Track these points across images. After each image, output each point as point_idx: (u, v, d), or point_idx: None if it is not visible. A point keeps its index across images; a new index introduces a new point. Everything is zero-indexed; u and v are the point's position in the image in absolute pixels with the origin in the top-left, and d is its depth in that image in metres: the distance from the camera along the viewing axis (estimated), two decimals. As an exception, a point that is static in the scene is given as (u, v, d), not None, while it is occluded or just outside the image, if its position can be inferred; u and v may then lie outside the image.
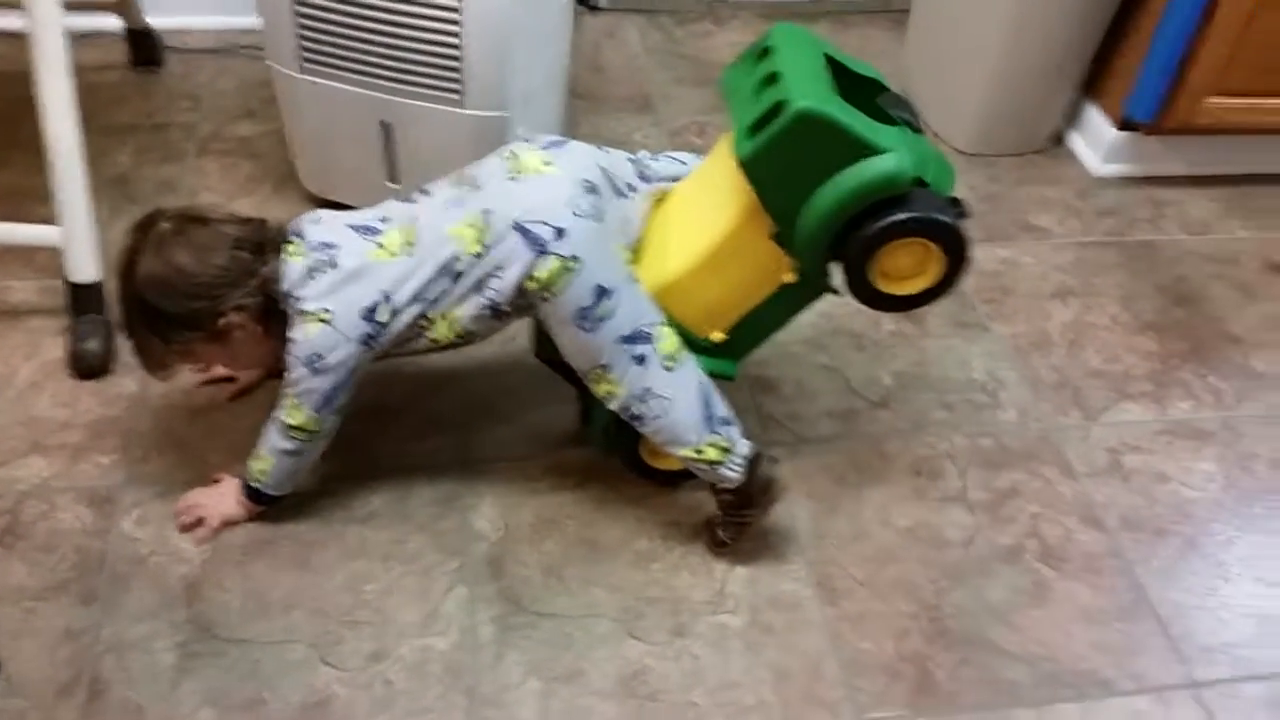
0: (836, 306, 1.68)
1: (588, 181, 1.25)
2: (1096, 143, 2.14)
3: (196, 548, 1.35)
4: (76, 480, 1.41)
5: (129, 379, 1.55)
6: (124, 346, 1.49)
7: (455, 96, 1.62)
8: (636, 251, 1.31)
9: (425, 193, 1.32)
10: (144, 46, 2.16)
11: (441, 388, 1.58)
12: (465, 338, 1.29)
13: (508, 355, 1.63)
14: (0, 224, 1.57)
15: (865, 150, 1.16)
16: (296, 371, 1.25)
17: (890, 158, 1.16)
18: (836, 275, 1.25)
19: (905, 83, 2.26)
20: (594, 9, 2.46)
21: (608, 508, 1.43)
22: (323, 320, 1.23)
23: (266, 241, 1.27)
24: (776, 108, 1.16)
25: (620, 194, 1.30)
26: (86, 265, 1.54)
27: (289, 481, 1.34)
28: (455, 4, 1.52)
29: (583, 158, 1.29)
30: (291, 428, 1.28)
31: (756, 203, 1.22)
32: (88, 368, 1.54)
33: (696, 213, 1.31)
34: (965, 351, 1.71)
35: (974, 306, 1.79)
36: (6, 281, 1.68)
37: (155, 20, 2.17)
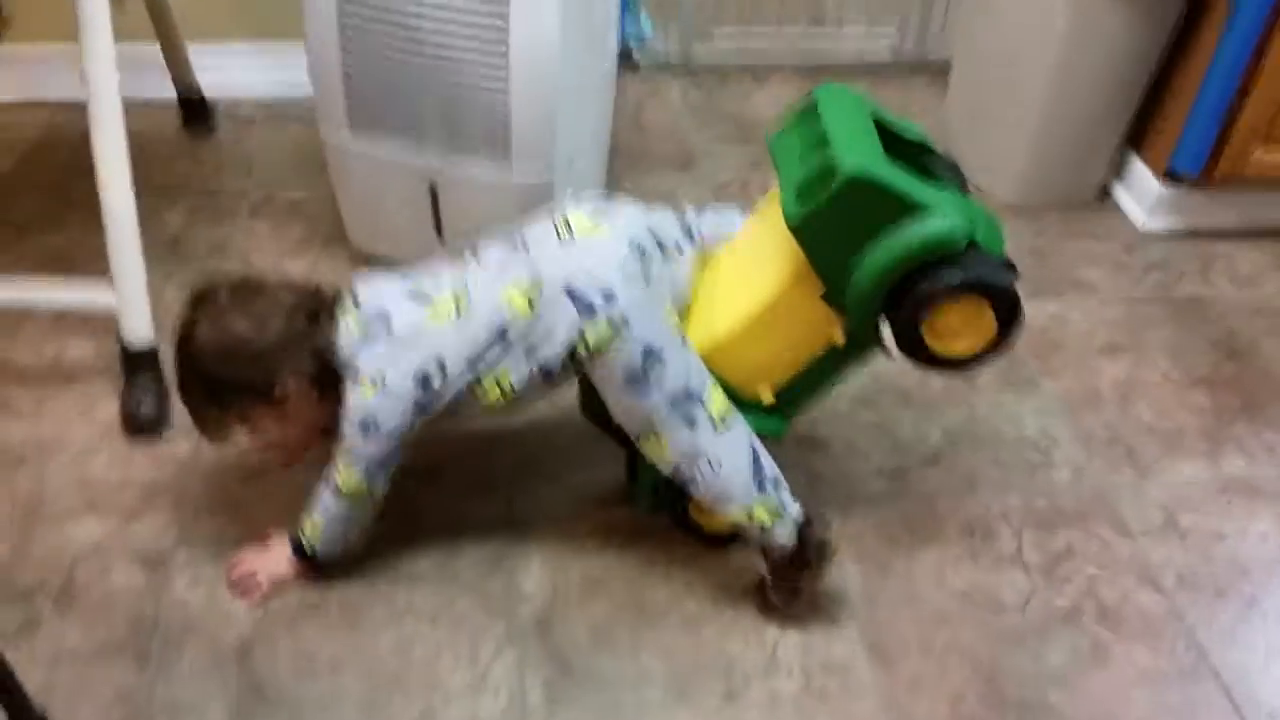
0: (885, 363, 1.68)
1: (636, 244, 1.26)
2: (1142, 196, 2.12)
3: (247, 609, 1.35)
4: (131, 542, 1.43)
5: (182, 441, 1.56)
6: (178, 409, 1.52)
7: (501, 157, 1.64)
8: (685, 312, 1.32)
9: (475, 255, 1.33)
10: (197, 111, 2.21)
11: (490, 445, 1.58)
12: (516, 401, 1.30)
13: (557, 412, 1.63)
14: (57, 285, 1.60)
15: (917, 212, 1.16)
16: (350, 436, 1.26)
17: (943, 218, 1.16)
18: (887, 335, 1.24)
19: (947, 137, 2.27)
20: (635, 68, 2.48)
21: (656, 568, 1.42)
22: (376, 386, 1.24)
23: (322, 308, 1.28)
24: (827, 172, 1.16)
25: (668, 255, 1.30)
26: (141, 328, 1.56)
27: (339, 544, 1.35)
28: (502, 70, 1.55)
29: (631, 219, 1.30)
30: (342, 491, 1.29)
31: (806, 263, 1.22)
32: (141, 429, 1.56)
33: (745, 273, 1.32)
34: (1016, 408, 1.69)
35: (1024, 363, 1.77)
36: (64, 340, 1.71)
37: (207, 86, 2.22)
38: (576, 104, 1.66)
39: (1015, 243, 1.99)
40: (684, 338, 1.27)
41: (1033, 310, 1.84)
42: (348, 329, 1.27)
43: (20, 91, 2.22)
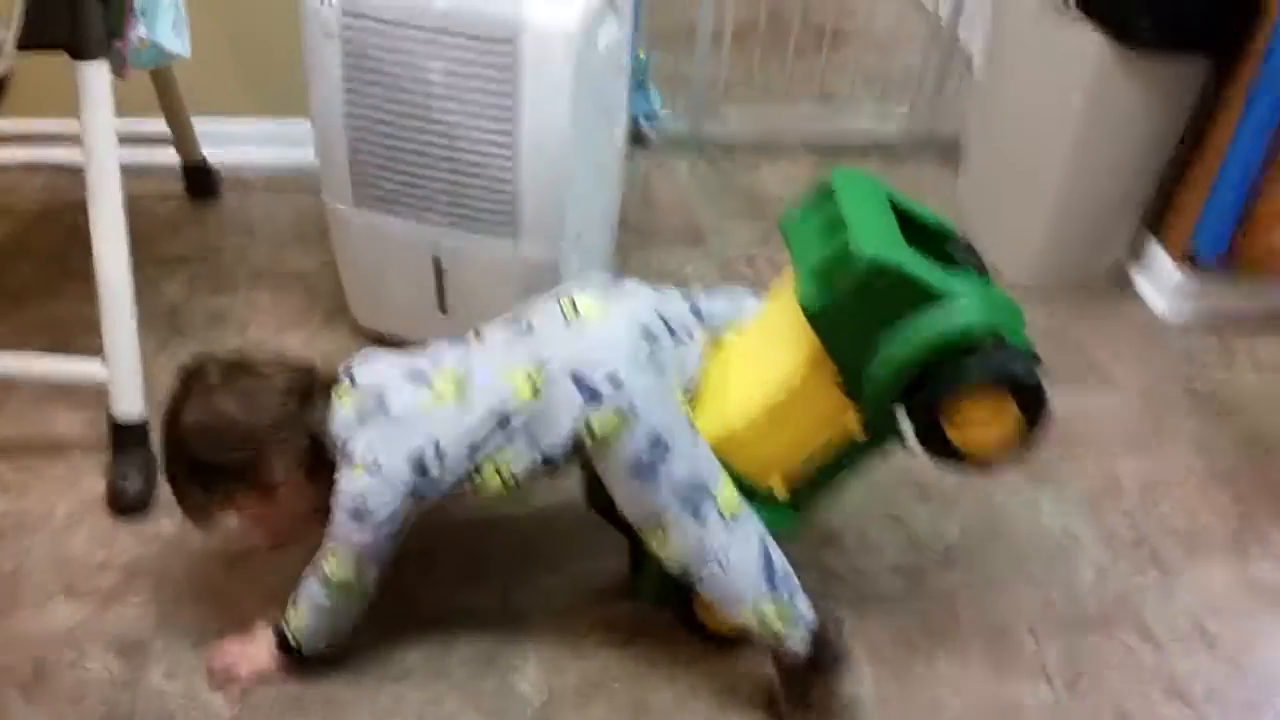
0: (901, 454, 1.62)
1: (645, 328, 1.21)
2: (1161, 281, 2.08)
3: (226, 702, 1.28)
4: (107, 626, 1.36)
5: (168, 519, 1.50)
6: (165, 487, 1.46)
7: (508, 233, 1.60)
8: (695, 399, 1.26)
9: (479, 336, 1.28)
10: (200, 179, 2.18)
11: (487, 531, 1.52)
12: (515, 489, 1.24)
13: (558, 498, 1.56)
14: (47, 358, 1.55)
15: (939, 300, 1.11)
16: (341, 523, 1.20)
17: (966, 308, 1.11)
18: (906, 429, 1.19)
19: (960, 216, 2.23)
20: (644, 144, 2.46)
21: (659, 669, 1.35)
22: (370, 470, 1.18)
23: (316, 388, 1.23)
24: (844, 257, 1.12)
25: (678, 339, 1.25)
26: (131, 403, 1.51)
27: (325, 638, 1.28)
28: (510, 147, 1.51)
29: (640, 303, 1.25)
30: (331, 581, 1.23)
31: (821, 353, 1.17)
32: (127, 506, 1.50)
33: (759, 360, 1.26)
34: (1035, 503, 1.63)
35: (1043, 455, 1.71)
36: (53, 412, 1.66)
37: (212, 154, 2.19)
38: (586, 181, 1.63)
39: (1029, 326, 1.95)
40: (694, 426, 1.22)
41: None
42: (342, 410, 1.22)
43: (20, 156, 2.19)
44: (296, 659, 1.29)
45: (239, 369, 1.23)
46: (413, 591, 1.42)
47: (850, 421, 1.22)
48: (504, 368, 1.21)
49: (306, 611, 1.26)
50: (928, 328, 1.11)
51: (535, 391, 1.18)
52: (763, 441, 1.24)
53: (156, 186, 2.18)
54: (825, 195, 1.22)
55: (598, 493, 1.33)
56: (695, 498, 1.19)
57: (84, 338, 1.52)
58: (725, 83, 2.50)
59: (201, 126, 2.15)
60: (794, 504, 1.29)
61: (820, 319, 1.14)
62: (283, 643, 1.29)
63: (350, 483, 1.19)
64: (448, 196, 1.60)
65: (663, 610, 1.38)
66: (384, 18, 1.47)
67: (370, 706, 1.29)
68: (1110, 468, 1.71)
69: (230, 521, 1.28)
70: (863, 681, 1.35)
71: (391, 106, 1.53)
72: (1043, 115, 2.01)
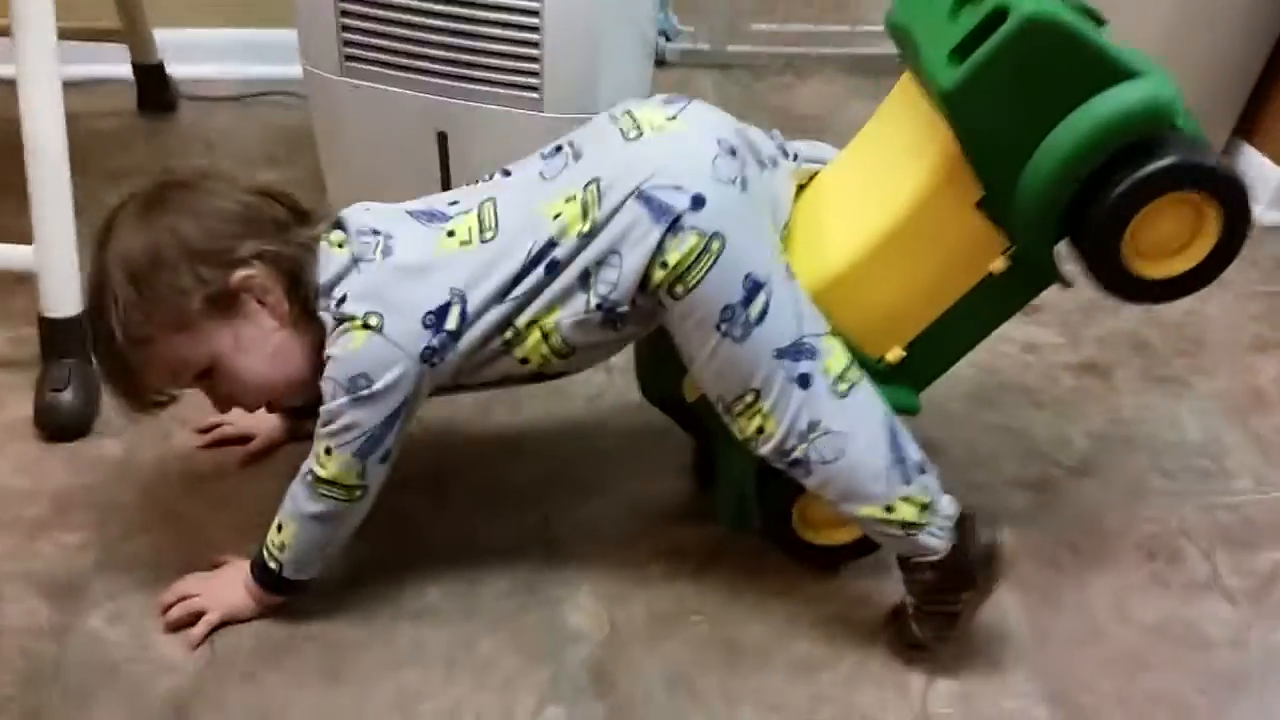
0: (995, 355, 1.35)
1: (728, 144, 0.92)
2: (1260, 187, 1.82)
3: (190, 652, 0.97)
4: (31, 563, 1.05)
5: (112, 441, 1.20)
6: (109, 403, 1.16)
7: (531, 96, 1.32)
8: (783, 245, 0.97)
9: (506, 172, 1.00)
10: (154, 88, 1.88)
11: (513, 454, 1.23)
12: (562, 358, 0.95)
13: (595, 414, 1.29)
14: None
15: (1114, 73, 0.84)
16: (334, 401, 0.90)
17: (1152, 82, 0.84)
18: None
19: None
20: (660, 63, 2.19)
21: (745, 599, 1.06)
22: (370, 327, 0.89)
23: (294, 217, 0.94)
24: (996, 16, 0.84)
25: (764, 165, 0.97)
26: (65, 296, 1.21)
27: (315, 560, 0.98)
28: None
29: (719, 118, 0.97)
30: (323, 481, 0.93)
31: (954, 159, 0.90)
32: (60, 423, 1.20)
33: (864, 190, 0.99)
34: (1170, 409, 1.35)
35: (1167, 360, 1.44)
36: (-34, 331, 1.35)
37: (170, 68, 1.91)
38: (621, 38, 1.35)
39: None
40: (791, 271, 0.93)
41: (1162, 306, 1.53)
42: (333, 254, 0.93)
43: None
44: (279, 590, 0.99)
45: (183, 187, 0.94)
46: (427, 523, 1.13)
47: (992, 258, 0.94)
48: (546, 199, 0.93)
49: (292, 528, 0.96)
50: (1109, 106, 0.84)
51: (589, 220, 0.90)
52: (876, 289, 0.96)
53: (106, 102, 1.89)
54: None
55: (659, 373, 1.05)
56: (799, 360, 0.91)
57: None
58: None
59: (159, 37, 1.87)
60: (910, 375, 1.01)
61: (961, 101, 0.86)
62: (261, 576, 0.98)
63: (344, 347, 0.90)
64: (457, 55, 1.32)
65: (743, 534, 1.10)
66: None
67: (384, 650, 0.99)
68: (1244, 371, 1.44)
69: (186, 426, 0.97)
70: (1007, 610, 1.06)
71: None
72: (1125, 11, 1.76)
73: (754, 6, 2.26)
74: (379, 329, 0.89)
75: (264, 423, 1.19)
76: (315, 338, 0.93)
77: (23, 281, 1.31)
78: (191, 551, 1.06)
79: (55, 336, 1.22)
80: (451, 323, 0.91)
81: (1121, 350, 1.45)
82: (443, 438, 1.23)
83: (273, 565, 0.97)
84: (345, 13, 1.32)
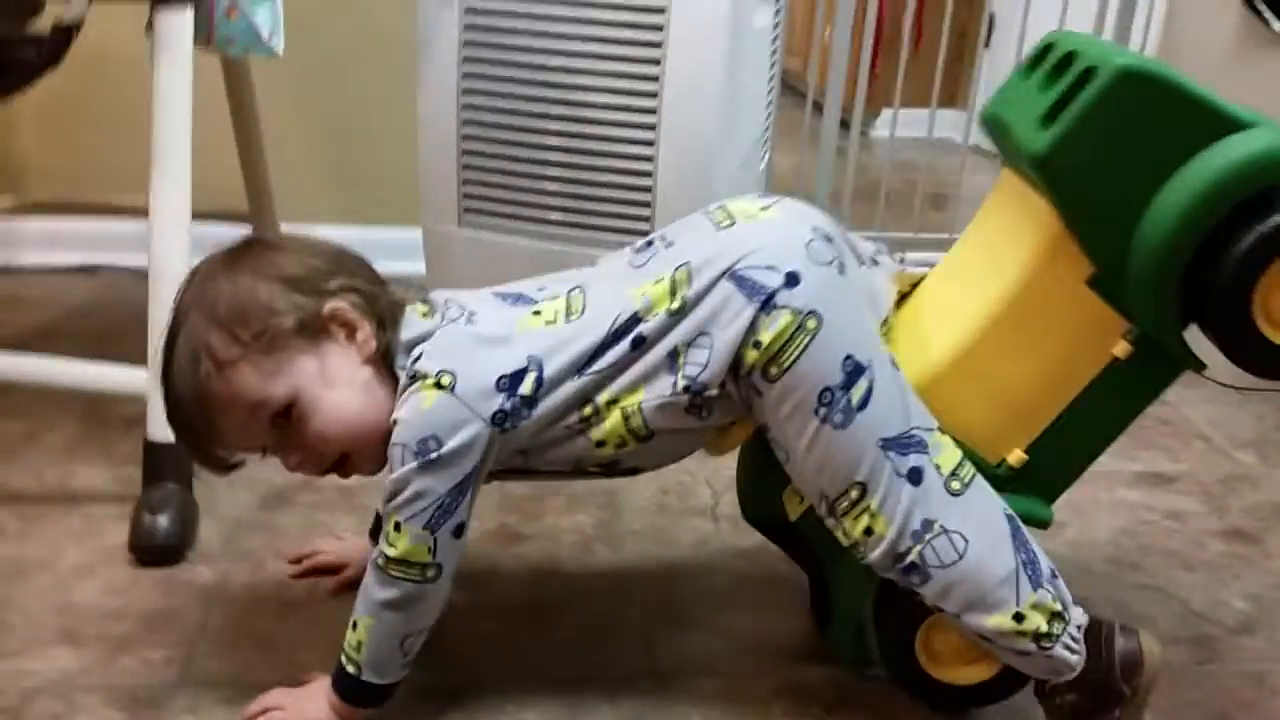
0: (1136, 521, 1.27)
1: (823, 232, 0.90)
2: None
3: (266, 767, 0.89)
4: (111, 678, 0.99)
5: (205, 567, 1.16)
6: (205, 534, 1.17)
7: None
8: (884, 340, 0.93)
9: (595, 265, 0.98)
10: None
11: (618, 591, 1.16)
12: (641, 442, 0.89)
13: (701, 558, 1.22)
14: (87, 364, 1.25)
15: (1223, 124, 0.80)
16: (403, 467, 0.85)
17: (1269, 131, 0.80)
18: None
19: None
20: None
21: (878, 743, 0.95)
22: (442, 387, 0.85)
23: (379, 279, 0.94)
24: (1085, 76, 0.82)
25: (862, 262, 0.95)
26: (173, 419, 1.20)
27: (394, 658, 0.90)
28: (651, 133, 1.27)
29: (811, 209, 0.95)
30: (394, 561, 0.87)
31: (1058, 235, 0.86)
32: (155, 545, 1.16)
33: (967, 281, 0.95)
34: (1337, 573, 1.24)
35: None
36: (72, 467, 1.34)
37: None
38: (730, 177, 1.37)
39: (1261, 420, 1.62)
40: (894, 360, 0.89)
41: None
42: (413, 314, 0.92)
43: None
44: (362, 699, 0.91)
45: (268, 243, 0.95)
46: (529, 652, 1.05)
47: (1113, 341, 0.88)
48: (635, 284, 0.90)
49: (365, 619, 0.89)
50: (1220, 157, 0.79)
51: (680, 298, 0.87)
52: (985, 384, 0.90)
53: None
54: (1041, 53, 0.93)
55: (759, 486, 1.00)
56: (909, 452, 0.85)
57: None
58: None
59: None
60: (1035, 481, 0.93)
61: (1056, 163, 0.83)
62: (342, 681, 0.91)
63: (415, 406, 0.85)
64: (572, 201, 1.34)
65: (869, 672, 1.00)
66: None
67: (476, 773, 0.89)
68: None
69: (258, 440, 0.91)
70: (1174, 765, 0.93)
71: (513, 90, 1.31)
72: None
73: (852, 214, 2.29)
74: (450, 389, 0.85)
75: (356, 552, 1.14)
76: (393, 392, 0.89)
77: (129, 428, 1.33)
78: (279, 672, 0.99)
79: (157, 460, 1.20)
80: (526, 388, 0.86)
81: (1269, 518, 1.35)
82: (544, 573, 1.17)
83: (350, 669, 0.90)
84: (466, 161, 1.36)
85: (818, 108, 2.07)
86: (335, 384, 0.88)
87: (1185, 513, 1.35)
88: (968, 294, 0.92)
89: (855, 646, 0.99)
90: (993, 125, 0.95)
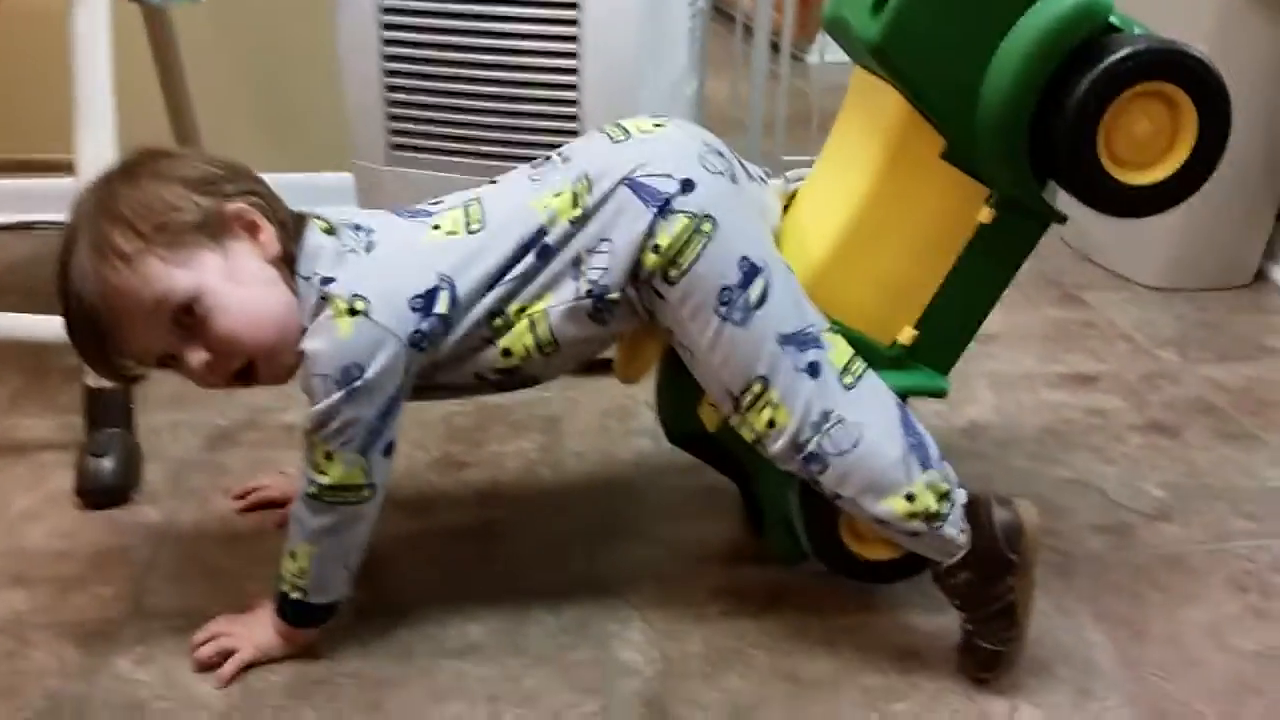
0: (1058, 419, 1.31)
1: (713, 145, 0.93)
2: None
3: (220, 689, 0.92)
4: (62, 615, 1.01)
5: (151, 508, 1.18)
6: (150, 474, 1.19)
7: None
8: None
9: (493, 181, 1.00)
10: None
11: (559, 509, 1.19)
12: (543, 354, 0.92)
13: (641, 473, 1.25)
14: (20, 316, 1.25)
15: None
16: (328, 399, 0.86)
17: None
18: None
19: (1082, 216, 1.97)
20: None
21: (810, 634, 0.99)
22: (357, 312, 0.86)
23: (271, 193, 0.93)
24: None
25: (751, 178, 0.98)
26: (113, 364, 1.21)
27: (338, 578, 0.93)
28: (573, 57, 1.28)
29: (701, 129, 0.97)
30: (329, 489, 0.89)
31: (907, 117, 0.88)
32: (100, 490, 1.17)
33: (835, 179, 0.97)
34: (1246, 461, 1.29)
35: (1235, 420, 1.39)
36: (15, 419, 1.35)
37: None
38: (657, 100, 1.38)
39: (1176, 317, 1.67)
40: (786, 264, 0.92)
41: (1225, 373, 1.49)
42: (316, 238, 0.92)
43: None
44: (308, 620, 0.94)
45: (163, 152, 0.92)
46: (473, 571, 1.08)
47: (977, 209, 0.91)
48: (535, 195, 0.92)
49: (303, 546, 0.91)
50: (1041, 13, 0.82)
51: (580, 207, 0.89)
52: (866, 270, 0.93)
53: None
54: None
55: (677, 405, 1.03)
56: (806, 347, 0.88)
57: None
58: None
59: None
60: (929, 355, 0.96)
61: (892, 48, 0.85)
62: (287, 607, 0.94)
63: (331, 337, 0.86)
64: (499, 133, 1.35)
65: (806, 577, 1.04)
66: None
67: (425, 685, 0.93)
68: (1321, 431, 1.38)
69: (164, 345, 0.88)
70: (1093, 643, 0.98)
71: (435, 23, 1.31)
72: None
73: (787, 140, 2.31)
74: (365, 314, 0.86)
75: (302, 485, 1.16)
76: (296, 299, 0.89)
77: (69, 379, 1.33)
78: (227, 602, 1.01)
79: (98, 406, 1.21)
80: (441, 306, 0.88)
81: (1188, 413, 1.40)
82: (488, 496, 1.20)
83: (296, 595, 0.92)
84: (392, 103, 1.36)
85: (748, 32, 2.08)
86: (241, 281, 0.87)
87: (1106, 409, 1.40)
88: (836, 192, 0.95)
89: (786, 542, 1.03)
90: (835, 26, 0.97)
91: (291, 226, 0.92)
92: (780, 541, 1.04)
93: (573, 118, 1.32)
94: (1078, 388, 1.45)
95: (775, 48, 2.07)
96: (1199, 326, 1.67)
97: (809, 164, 1.03)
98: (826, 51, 2.16)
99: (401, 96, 1.36)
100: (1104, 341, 1.59)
